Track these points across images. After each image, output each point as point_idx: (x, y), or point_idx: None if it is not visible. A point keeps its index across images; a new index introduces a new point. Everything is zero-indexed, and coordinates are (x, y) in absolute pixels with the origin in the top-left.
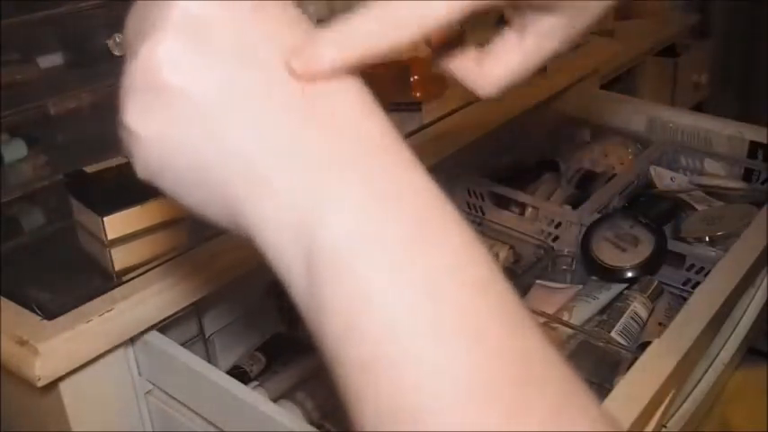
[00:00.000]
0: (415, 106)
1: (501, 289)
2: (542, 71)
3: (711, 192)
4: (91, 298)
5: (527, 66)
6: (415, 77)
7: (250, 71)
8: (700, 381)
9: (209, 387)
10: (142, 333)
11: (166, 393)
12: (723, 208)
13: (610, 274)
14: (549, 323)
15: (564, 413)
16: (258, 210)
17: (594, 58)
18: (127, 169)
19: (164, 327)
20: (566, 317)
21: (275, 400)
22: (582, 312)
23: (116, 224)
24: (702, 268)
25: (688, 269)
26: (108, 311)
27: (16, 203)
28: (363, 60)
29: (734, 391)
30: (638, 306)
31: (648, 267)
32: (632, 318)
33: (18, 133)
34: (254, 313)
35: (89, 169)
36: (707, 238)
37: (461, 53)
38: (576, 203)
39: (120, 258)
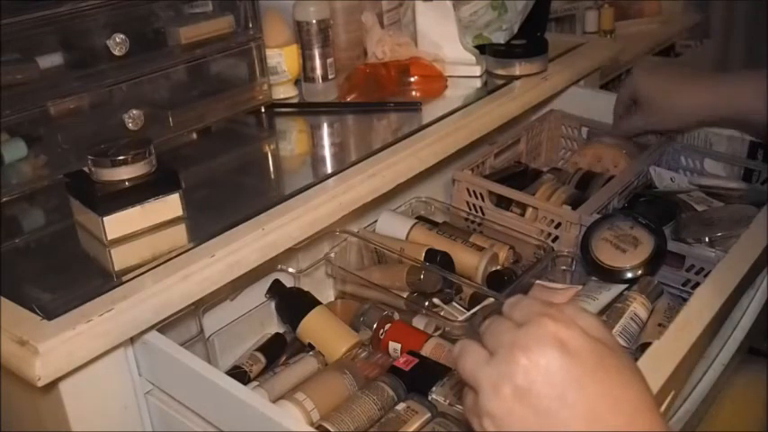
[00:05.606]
0: (415, 106)
1: None
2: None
3: (711, 192)
4: (91, 298)
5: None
6: (415, 77)
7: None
8: (700, 381)
9: (209, 387)
10: (142, 333)
11: (166, 393)
12: (723, 208)
13: (609, 275)
14: None
15: None
16: None
17: (594, 58)
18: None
19: (164, 327)
20: None
21: (275, 401)
22: None
23: (116, 224)
24: (702, 269)
25: (688, 270)
26: (108, 311)
27: (16, 203)
28: None
29: (734, 391)
30: (637, 307)
31: (648, 268)
32: (632, 319)
33: (18, 133)
34: (254, 313)
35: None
36: (707, 239)
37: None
38: (575, 203)
39: (120, 258)
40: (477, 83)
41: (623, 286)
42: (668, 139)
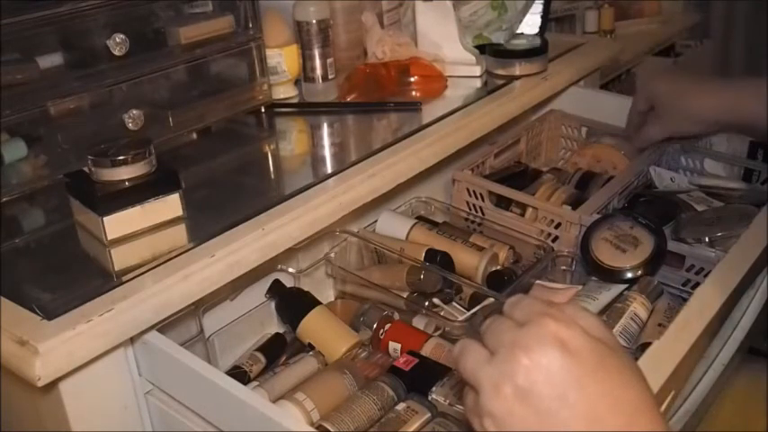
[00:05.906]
0: (415, 106)
1: None
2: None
3: (711, 192)
4: (91, 298)
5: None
6: (415, 77)
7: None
8: (700, 381)
9: (209, 387)
10: (142, 333)
11: (166, 393)
12: (723, 208)
13: (609, 275)
14: None
15: None
16: None
17: (594, 58)
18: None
19: (164, 327)
20: None
21: (275, 401)
22: None
23: (116, 224)
24: (702, 269)
25: (688, 270)
26: (108, 311)
27: (16, 203)
28: None
29: (734, 391)
30: (637, 307)
31: (648, 268)
32: (632, 319)
33: (18, 133)
34: (254, 313)
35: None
36: (707, 239)
37: None
38: (575, 203)
39: (120, 258)
40: (477, 83)
41: (623, 286)
42: (695, 141)
